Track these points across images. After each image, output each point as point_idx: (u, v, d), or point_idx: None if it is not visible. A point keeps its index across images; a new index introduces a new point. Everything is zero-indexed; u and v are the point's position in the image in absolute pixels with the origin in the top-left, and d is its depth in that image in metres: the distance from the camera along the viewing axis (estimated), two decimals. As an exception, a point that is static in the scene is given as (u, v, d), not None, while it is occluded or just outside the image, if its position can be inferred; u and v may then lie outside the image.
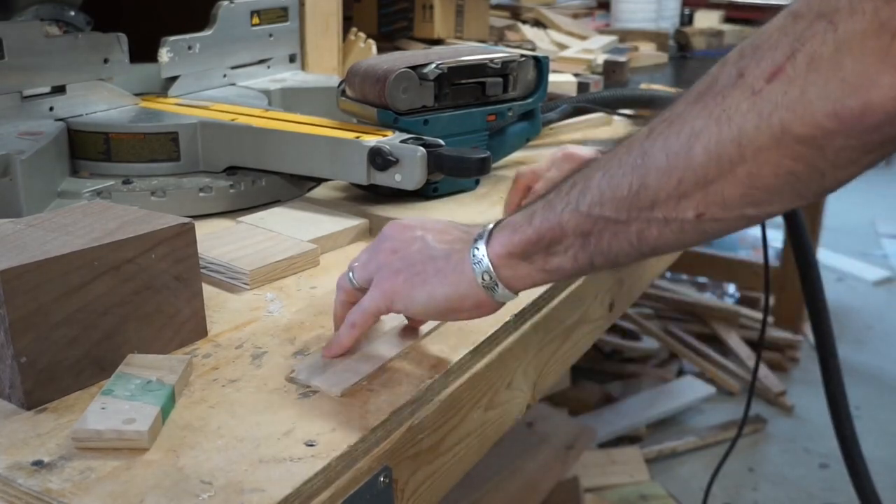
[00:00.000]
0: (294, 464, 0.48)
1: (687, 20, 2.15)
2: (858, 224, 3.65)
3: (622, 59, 1.58)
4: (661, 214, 0.47)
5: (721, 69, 0.45)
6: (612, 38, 1.83)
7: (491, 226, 0.56)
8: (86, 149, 0.90)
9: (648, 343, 2.53)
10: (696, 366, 2.42)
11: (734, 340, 2.51)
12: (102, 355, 0.56)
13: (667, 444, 2.10)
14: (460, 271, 0.55)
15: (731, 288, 2.93)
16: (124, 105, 0.99)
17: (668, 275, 2.94)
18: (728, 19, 2.12)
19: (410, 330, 0.64)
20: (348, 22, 1.47)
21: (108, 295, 0.56)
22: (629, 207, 0.48)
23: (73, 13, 1.07)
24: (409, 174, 0.83)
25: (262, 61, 1.17)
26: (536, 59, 1.02)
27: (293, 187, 0.94)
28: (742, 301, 2.84)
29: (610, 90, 1.31)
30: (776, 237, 2.93)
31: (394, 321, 0.65)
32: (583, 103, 1.22)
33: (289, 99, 1.12)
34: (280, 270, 0.75)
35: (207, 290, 0.67)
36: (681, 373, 2.44)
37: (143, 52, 1.03)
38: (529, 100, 1.02)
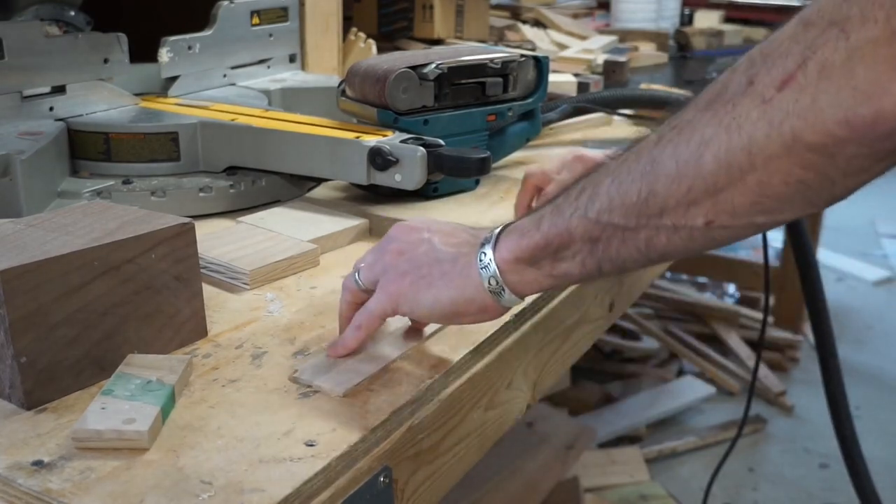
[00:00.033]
0: (294, 464, 0.48)
1: (687, 20, 2.16)
2: (858, 224, 3.65)
3: (622, 59, 1.58)
4: (670, 221, 0.47)
5: (731, 76, 0.45)
6: (612, 38, 1.83)
7: (498, 230, 0.56)
8: (86, 149, 0.90)
9: (648, 343, 2.53)
10: (696, 366, 2.42)
11: (734, 340, 2.51)
12: (102, 355, 0.56)
13: (667, 444, 2.10)
14: (466, 275, 0.55)
15: (731, 288, 2.94)
16: (124, 105, 0.99)
17: (668, 275, 2.94)
18: (728, 19, 2.12)
19: (414, 331, 0.64)
20: (348, 22, 1.47)
21: (108, 295, 0.56)
22: (638, 214, 0.48)
23: (73, 13, 1.07)
24: (409, 174, 0.83)
25: (262, 61, 1.17)
26: (536, 59, 1.02)
27: (293, 187, 0.94)
28: (742, 301, 2.84)
29: (610, 90, 1.31)
30: (776, 237, 2.93)
31: (398, 322, 0.65)
32: (583, 103, 1.22)
33: (289, 99, 1.12)
34: (280, 270, 0.75)
35: (207, 290, 0.67)
36: (681, 373, 2.44)
37: (143, 52, 1.03)
38: (529, 100, 1.02)
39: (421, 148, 0.83)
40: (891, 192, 4.07)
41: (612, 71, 1.56)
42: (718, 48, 1.92)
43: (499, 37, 1.79)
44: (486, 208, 0.93)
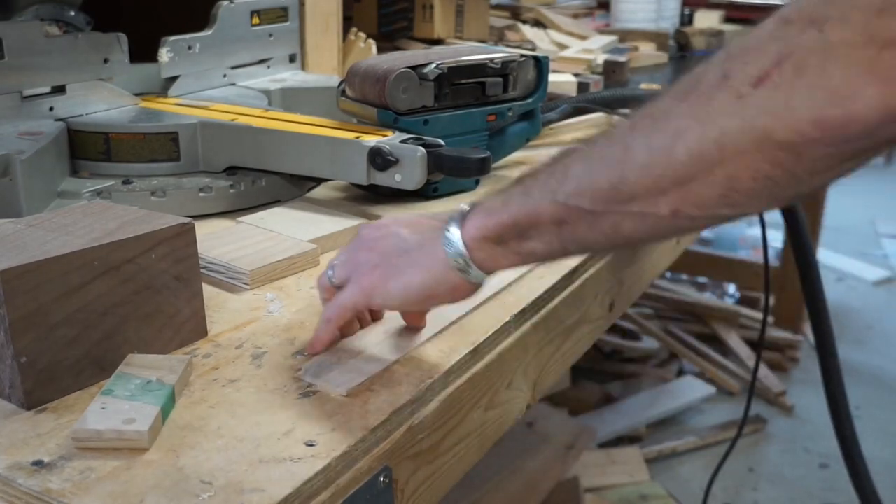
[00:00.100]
0: (294, 464, 0.48)
1: (687, 20, 2.15)
2: (858, 224, 3.65)
3: (622, 59, 1.58)
4: (638, 209, 0.48)
5: (707, 69, 0.45)
6: (612, 38, 1.83)
7: (465, 207, 0.57)
8: (86, 149, 0.91)
9: (648, 343, 2.53)
10: (696, 366, 2.42)
11: (734, 340, 2.51)
12: (102, 355, 0.56)
13: (667, 444, 2.10)
14: (433, 256, 0.56)
15: (731, 288, 2.93)
16: (124, 105, 0.99)
17: (668, 275, 2.94)
18: (728, 19, 2.12)
19: (415, 331, 0.64)
20: (348, 22, 1.47)
21: (108, 295, 0.56)
22: (606, 200, 0.49)
23: (73, 13, 1.07)
24: (409, 174, 0.83)
25: (262, 61, 1.17)
26: (536, 59, 1.02)
27: (293, 187, 0.94)
28: (742, 301, 2.84)
29: (610, 90, 1.31)
30: (776, 237, 2.93)
31: (399, 322, 0.65)
32: (583, 103, 1.22)
33: (289, 99, 1.12)
34: (280, 270, 0.75)
35: (207, 290, 0.67)
36: (681, 373, 2.44)
37: (143, 52, 1.03)
38: (529, 100, 1.02)
39: (421, 148, 0.83)
40: (891, 192, 4.08)
41: (612, 71, 1.56)
42: (718, 48, 1.91)
43: (499, 37, 1.79)
44: (486, 208, 0.93)
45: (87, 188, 0.85)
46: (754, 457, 2.10)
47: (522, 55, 1.00)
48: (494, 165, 0.99)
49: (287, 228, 0.82)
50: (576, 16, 2.14)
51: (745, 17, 2.13)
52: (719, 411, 2.26)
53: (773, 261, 2.76)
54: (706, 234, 3.29)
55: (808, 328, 2.57)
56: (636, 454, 2.02)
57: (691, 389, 2.30)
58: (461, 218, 0.56)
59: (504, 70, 0.98)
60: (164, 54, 1.02)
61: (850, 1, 0.39)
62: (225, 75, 1.12)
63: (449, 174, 0.85)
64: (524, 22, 1.93)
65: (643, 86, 1.46)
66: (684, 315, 2.67)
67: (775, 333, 2.56)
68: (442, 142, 0.86)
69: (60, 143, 0.88)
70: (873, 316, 2.82)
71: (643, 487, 1.92)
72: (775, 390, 2.30)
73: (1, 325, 0.51)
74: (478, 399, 0.64)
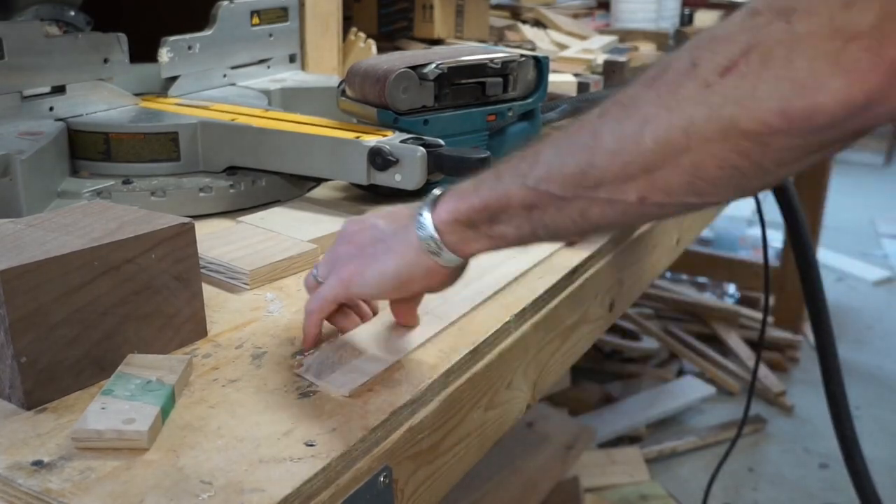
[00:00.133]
0: (294, 464, 0.48)
1: (687, 20, 2.15)
2: (858, 224, 3.65)
3: (622, 59, 1.58)
4: (605, 195, 0.48)
5: (676, 57, 0.46)
6: (612, 38, 1.83)
7: (437, 192, 0.57)
8: (86, 149, 0.90)
9: (648, 343, 2.52)
10: (696, 366, 2.42)
11: (734, 340, 2.51)
12: (102, 355, 0.56)
13: (667, 444, 2.10)
14: (407, 241, 0.57)
15: (731, 288, 2.93)
16: (124, 105, 0.99)
17: (668, 275, 2.94)
18: (728, 19, 2.11)
19: (416, 331, 0.64)
20: (348, 22, 1.47)
21: (108, 295, 0.56)
22: (575, 185, 0.49)
23: (73, 13, 1.07)
24: (409, 174, 0.83)
25: (262, 61, 1.17)
26: (536, 59, 1.02)
27: (293, 187, 0.94)
28: (742, 301, 2.84)
29: (610, 90, 1.31)
30: (776, 237, 2.93)
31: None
32: (583, 103, 1.22)
33: (289, 99, 1.12)
34: (280, 270, 0.75)
35: (207, 290, 0.67)
36: (681, 373, 2.44)
37: (143, 52, 1.03)
38: (529, 100, 1.02)
39: (421, 148, 0.83)
40: (891, 192, 4.08)
41: (612, 71, 1.55)
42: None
43: (499, 37, 1.79)
44: (486, 208, 0.93)
45: (87, 188, 0.85)
46: (754, 457, 2.10)
47: (522, 55, 1.00)
48: (494, 165, 0.99)
49: (287, 228, 0.82)
50: (576, 16, 2.13)
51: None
52: (719, 411, 2.26)
53: (773, 261, 2.76)
54: (706, 233, 3.29)
55: (808, 328, 2.57)
56: (636, 454, 2.02)
57: (691, 389, 2.30)
58: (433, 202, 0.56)
59: (504, 70, 0.98)
60: (164, 54, 1.02)
61: None
62: (225, 75, 1.12)
63: (449, 174, 0.85)
64: (524, 22, 1.93)
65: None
66: (684, 315, 2.67)
67: (775, 333, 2.56)
68: (442, 142, 0.86)
69: (60, 143, 0.88)
70: (873, 316, 2.82)
71: (643, 487, 1.92)
72: (775, 390, 2.30)
73: (1, 325, 0.51)
74: (478, 399, 0.64)
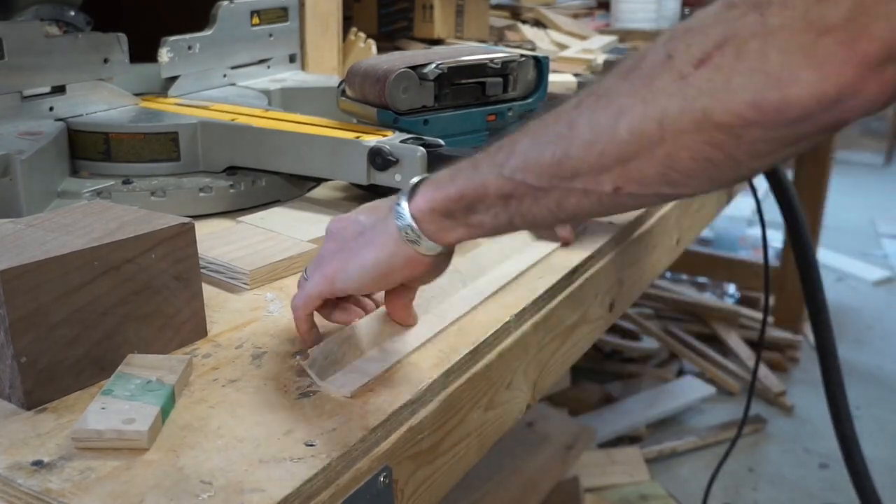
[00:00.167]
0: (294, 464, 0.48)
1: (687, 20, 2.15)
2: (858, 224, 3.65)
3: (622, 59, 1.58)
4: (581, 185, 0.49)
5: (652, 48, 0.46)
6: (612, 38, 1.83)
7: (415, 180, 0.57)
8: (86, 149, 0.90)
9: (648, 343, 2.52)
10: (696, 366, 2.42)
11: (734, 340, 2.51)
12: (102, 355, 0.56)
13: (667, 444, 2.09)
14: (386, 232, 0.57)
15: (731, 288, 2.93)
16: (124, 105, 0.99)
17: (668, 275, 2.94)
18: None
19: (416, 331, 0.64)
20: (348, 22, 1.47)
21: (108, 295, 0.56)
22: (551, 176, 0.49)
23: (73, 13, 1.07)
24: (409, 174, 0.83)
25: (262, 61, 1.17)
26: (536, 59, 1.02)
27: (293, 187, 0.94)
28: (742, 301, 2.84)
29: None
30: (776, 237, 2.93)
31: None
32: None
33: (289, 99, 1.12)
34: (280, 270, 0.75)
35: (207, 290, 0.67)
36: (681, 373, 2.44)
37: (143, 52, 1.03)
38: (529, 100, 1.02)
39: (421, 148, 0.83)
40: (891, 192, 4.08)
41: (612, 71, 1.55)
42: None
43: (499, 37, 1.79)
44: (486, 208, 0.92)
45: (87, 188, 0.85)
46: (754, 457, 2.10)
47: (522, 55, 1.00)
48: (494, 165, 0.99)
49: (287, 228, 0.82)
50: (576, 16, 2.14)
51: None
52: (719, 411, 2.26)
53: (773, 261, 2.76)
54: (706, 233, 3.29)
55: (808, 328, 2.57)
56: (636, 454, 2.02)
57: (691, 389, 2.30)
58: (411, 191, 0.57)
59: (504, 70, 0.98)
60: (164, 54, 1.02)
61: None
62: (225, 75, 1.12)
63: (449, 174, 0.85)
64: (524, 22, 1.93)
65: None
66: (684, 315, 2.67)
67: (775, 333, 2.56)
68: (442, 142, 0.86)
69: (60, 143, 0.88)
70: (873, 316, 2.82)
71: (643, 487, 1.92)
72: (775, 390, 2.30)
73: (1, 325, 0.51)
74: (478, 399, 0.64)
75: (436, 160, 0.83)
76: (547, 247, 0.82)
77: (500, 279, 0.74)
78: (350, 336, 0.62)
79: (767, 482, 2.01)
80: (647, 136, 0.45)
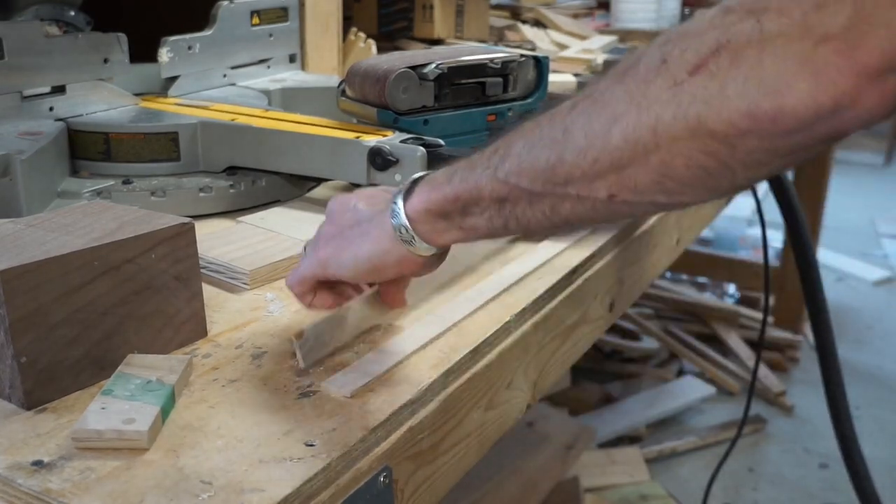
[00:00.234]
0: (294, 464, 0.48)
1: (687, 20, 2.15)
2: (858, 224, 3.65)
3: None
4: (575, 191, 0.48)
5: (647, 51, 0.45)
6: (612, 38, 1.83)
7: (411, 180, 0.57)
8: (86, 149, 0.90)
9: (648, 343, 2.52)
10: (696, 366, 2.42)
11: (734, 340, 2.51)
12: (102, 355, 0.56)
13: (667, 444, 2.10)
14: (381, 228, 0.57)
15: (731, 288, 2.93)
16: (124, 105, 0.99)
17: (668, 275, 2.94)
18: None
19: (417, 332, 0.64)
20: (348, 22, 1.47)
21: (108, 295, 0.56)
22: (545, 181, 0.49)
23: (73, 13, 1.07)
24: (409, 174, 0.83)
25: (262, 61, 1.17)
26: (536, 59, 1.02)
27: (293, 187, 0.94)
28: (742, 301, 2.84)
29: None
30: (776, 237, 2.93)
31: (404, 323, 0.65)
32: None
33: (289, 99, 1.12)
34: (280, 270, 0.75)
35: (207, 290, 0.67)
36: (681, 373, 2.44)
37: (143, 52, 1.03)
38: (529, 100, 1.02)
39: (421, 148, 0.83)
40: (891, 192, 4.08)
41: (611, 71, 1.55)
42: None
43: (499, 37, 1.79)
44: (486, 208, 0.92)
45: (87, 188, 0.85)
46: (754, 457, 2.10)
47: (522, 55, 1.00)
48: (494, 165, 0.99)
49: (287, 228, 0.82)
50: (576, 16, 2.13)
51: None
52: (719, 411, 2.26)
53: (773, 261, 2.76)
54: (706, 233, 3.29)
55: (808, 328, 2.57)
56: (636, 454, 2.02)
57: (691, 389, 2.30)
58: (408, 189, 0.56)
59: (504, 70, 0.98)
60: (164, 54, 1.02)
61: None
62: (225, 75, 1.12)
63: (449, 174, 0.85)
64: (524, 22, 1.93)
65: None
66: (684, 315, 2.67)
67: (775, 333, 2.56)
68: (442, 142, 0.86)
69: (60, 143, 0.88)
70: (873, 316, 2.82)
71: (643, 487, 1.92)
72: (775, 390, 2.30)
73: (1, 325, 0.51)
74: (478, 399, 0.64)
75: (436, 160, 0.83)
76: (550, 250, 0.82)
77: (500, 280, 0.74)
78: (342, 318, 0.62)
79: (767, 482, 2.01)
80: (641, 143, 0.44)
